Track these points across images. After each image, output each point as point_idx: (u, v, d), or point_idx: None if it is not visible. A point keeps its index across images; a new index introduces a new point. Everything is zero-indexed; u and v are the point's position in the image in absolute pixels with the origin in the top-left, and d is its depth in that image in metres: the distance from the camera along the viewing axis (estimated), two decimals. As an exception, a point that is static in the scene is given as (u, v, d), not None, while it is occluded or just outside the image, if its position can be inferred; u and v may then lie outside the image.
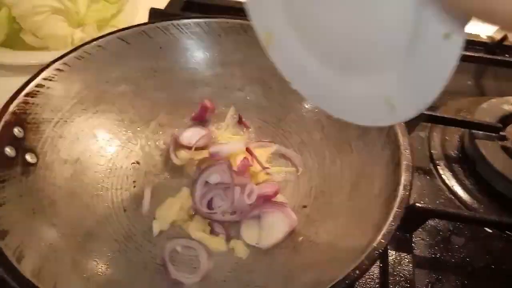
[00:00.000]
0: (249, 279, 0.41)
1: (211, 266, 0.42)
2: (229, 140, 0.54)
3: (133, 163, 0.53)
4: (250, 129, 0.58)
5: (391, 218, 0.36)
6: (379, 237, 0.34)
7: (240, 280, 0.41)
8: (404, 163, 0.40)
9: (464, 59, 0.74)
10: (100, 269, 0.39)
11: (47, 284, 0.31)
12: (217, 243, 0.45)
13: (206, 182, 0.49)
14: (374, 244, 0.34)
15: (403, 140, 0.42)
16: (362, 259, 0.33)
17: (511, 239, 0.44)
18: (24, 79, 0.46)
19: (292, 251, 0.43)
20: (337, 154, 0.50)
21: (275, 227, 0.45)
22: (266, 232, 0.45)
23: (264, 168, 0.51)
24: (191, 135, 0.55)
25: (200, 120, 0.58)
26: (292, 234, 0.45)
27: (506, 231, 0.52)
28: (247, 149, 0.51)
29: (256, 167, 0.51)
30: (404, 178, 0.39)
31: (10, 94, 0.44)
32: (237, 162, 0.50)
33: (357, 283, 0.45)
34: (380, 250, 0.33)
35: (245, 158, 0.50)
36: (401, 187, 0.38)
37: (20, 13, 0.71)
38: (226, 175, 0.48)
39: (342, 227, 0.42)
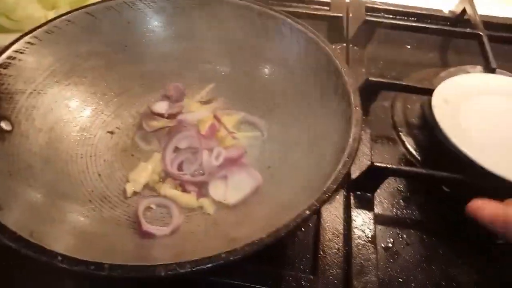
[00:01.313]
0: (216, 231, 0.44)
1: (181, 220, 0.45)
2: (198, 109, 0.57)
3: (108, 132, 0.55)
4: (218, 100, 0.60)
5: (340, 166, 0.39)
6: (329, 182, 0.38)
7: (208, 232, 0.44)
8: (354, 118, 0.43)
9: (427, 31, 0.79)
10: (76, 224, 0.42)
11: (25, 232, 0.33)
12: (188, 200, 0.48)
13: (176, 147, 0.52)
14: (324, 189, 0.37)
15: (354, 98, 0.45)
16: (312, 202, 0.36)
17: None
18: None
19: (256, 205, 0.47)
20: (298, 116, 0.53)
21: (241, 185, 0.48)
22: (232, 190, 0.48)
23: (230, 132, 0.54)
24: (163, 105, 0.58)
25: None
26: (257, 191, 0.49)
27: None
28: (215, 116, 0.54)
29: (223, 132, 0.53)
30: (353, 131, 0.42)
31: None
32: (205, 128, 0.53)
33: (325, 240, 0.49)
34: (329, 194, 0.37)
35: (212, 124, 0.53)
36: (350, 139, 0.41)
37: (-8, -5, 0.72)
38: (194, 139, 0.51)
39: (302, 181, 0.45)
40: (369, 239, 0.49)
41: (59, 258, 0.32)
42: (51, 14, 0.77)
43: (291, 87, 0.56)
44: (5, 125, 0.45)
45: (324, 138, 0.47)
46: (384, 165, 0.52)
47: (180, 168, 0.51)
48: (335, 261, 0.47)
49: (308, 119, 0.52)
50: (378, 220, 0.52)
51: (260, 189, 0.49)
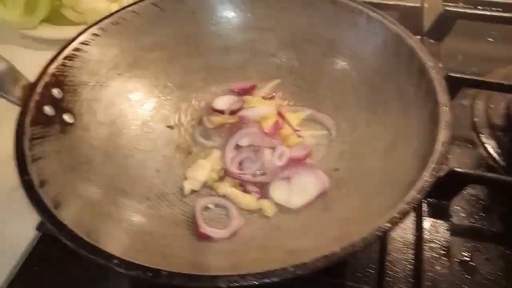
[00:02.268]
0: (277, 236, 0.41)
1: (241, 223, 0.43)
2: (260, 104, 0.54)
3: (167, 126, 0.53)
4: (282, 95, 0.57)
5: (426, 173, 0.34)
6: (414, 192, 0.33)
7: (268, 238, 0.41)
8: (443, 120, 0.38)
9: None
10: (133, 222, 0.40)
11: (82, 231, 0.32)
12: (248, 200, 0.45)
13: (237, 145, 0.49)
14: (408, 199, 0.32)
15: (442, 97, 0.40)
16: (393, 214, 0.31)
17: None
18: None
19: (321, 211, 0.43)
20: (371, 116, 0.48)
21: (306, 188, 0.44)
22: (296, 193, 0.44)
23: (295, 130, 0.50)
24: (225, 100, 0.55)
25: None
26: (323, 195, 0.45)
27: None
28: (279, 113, 0.51)
29: (287, 130, 0.50)
30: (442, 134, 0.37)
31: None
32: (268, 125, 0.49)
33: (392, 251, 0.44)
34: (414, 205, 0.32)
35: (276, 121, 0.49)
36: (439, 143, 0.36)
37: (60, -11, 0.74)
38: (256, 137, 0.48)
39: (375, 187, 0.41)
40: (443, 252, 0.43)
41: (116, 261, 0.30)
42: (114, 6, 0.78)
43: (365, 83, 0.51)
44: (68, 118, 0.45)
45: (404, 141, 0.42)
46: (465, 171, 0.45)
47: (240, 167, 0.48)
48: (404, 274, 0.43)
49: (385, 119, 0.47)
50: (454, 231, 0.46)
51: (326, 193, 0.45)
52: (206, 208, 0.45)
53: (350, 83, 0.53)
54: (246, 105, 0.54)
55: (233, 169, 0.48)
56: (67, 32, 0.76)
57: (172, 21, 0.56)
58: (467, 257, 0.45)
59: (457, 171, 0.45)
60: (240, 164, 0.48)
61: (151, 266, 0.29)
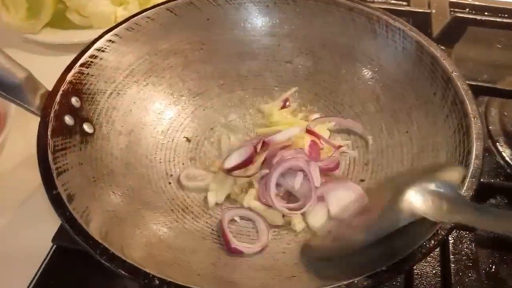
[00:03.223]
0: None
1: (270, 237, 0.42)
2: (284, 123, 0.51)
3: (185, 137, 0.52)
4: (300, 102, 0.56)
5: (464, 188, 0.34)
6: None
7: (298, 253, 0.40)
8: (474, 131, 0.38)
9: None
10: (160, 236, 0.39)
11: (115, 247, 0.30)
12: (274, 216, 0.43)
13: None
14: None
15: (471, 108, 0.40)
16: (437, 228, 0.31)
17: None
18: (71, 57, 0.46)
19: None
20: (395, 125, 0.48)
21: (342, 201, 0.43)
22: (335, 207, 0.43)
23: (338, 147, 0.48)
24: (236, 157, 0.46)
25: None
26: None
27: None
28: (309, 131, 0.48)
29: (328, 149, 0.48)
30: (476, 147, 0.36)
31: (59, 72, 0.44)
32: (304, 146, 0.47)
33: (419, 263, 0.43)
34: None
35: (312, 142, 0.47)
36: (473, 156, 0.36)
37: (66, -8, 0.72)
38: (299, 164, 0.44)
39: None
40: (470, 264, 0.43)
41: (156, 281, 0.28)
42: (120, 10, 0.76)
43: (385, 91, 0.50)
44: (87, 128, 0.43)
45: (432, 152, 0.42)
46: (492, 182, 0.46)
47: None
48: (432, 286, 0.42)
49: (408, 129, 0.46)
50: (479, 242, 0.46)
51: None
52: (233, 220, 0.44)
53: (369, 90, 0.52)
54: (268, 122, 0.53)
55: (280, 206, 0.43)
56: (71, 36, 0.74)
57: (186, 27, 0.55)
58: (494, 269, 0.44)
59: (484, 181, 0.45)
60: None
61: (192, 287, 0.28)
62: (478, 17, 0.74)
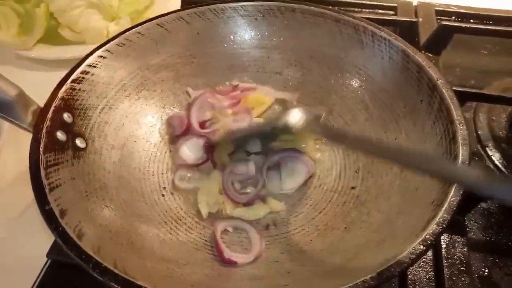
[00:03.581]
0: (302, 259, 0.40)
1: (263, 247, 0.42)
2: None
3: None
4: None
5: (451, 193, 0.34)
6: (441, 213, 0.33)
7: (293, 261, 0.40)
8: (460, 137, 0.38)
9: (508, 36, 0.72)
10: (156, 250, 0.39)
11: (109, 262, 0.31)
12: (256, 211, 0.46)
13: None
14: (438, 219, 0.32)
15: (456, 114, 0.41)
16: (425, 235, 0.32)
17: None
18: (63, 73, 0.47)
19: (343, 231, 0.42)
20: (383, 134, 0.49)
21: (294, 172, 0.48)
22: (286, 178, 0.48)
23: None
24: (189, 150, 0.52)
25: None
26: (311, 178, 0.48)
27: None
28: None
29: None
30: (462, 153, 0.37)
31: (51, 88, 0.45)
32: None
33: (412, 268, 0.44)
34: (444, 225, 0.32)
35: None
36: (459, 161, 0.36)
37: (57, 9, 0.73)
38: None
39: (396, 206, 0.41)
40: (463, 268, 0.43)
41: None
42: (112, 25, 0.77)
43: (374, 100, 0.51)
44: (80, 143, 0.44)
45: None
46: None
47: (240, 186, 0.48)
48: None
49: (397, 136, 0.47)
50: (471, 246, 0.46)
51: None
52: (225, 231, 0.44)
53: (358, 99, 0.53)
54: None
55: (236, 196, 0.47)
56: (64, 52, 0.75)
57: (177, 41, 0.56)
58: (487, 273, 0.45)
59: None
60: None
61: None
62: (464, 25, 0.75)
